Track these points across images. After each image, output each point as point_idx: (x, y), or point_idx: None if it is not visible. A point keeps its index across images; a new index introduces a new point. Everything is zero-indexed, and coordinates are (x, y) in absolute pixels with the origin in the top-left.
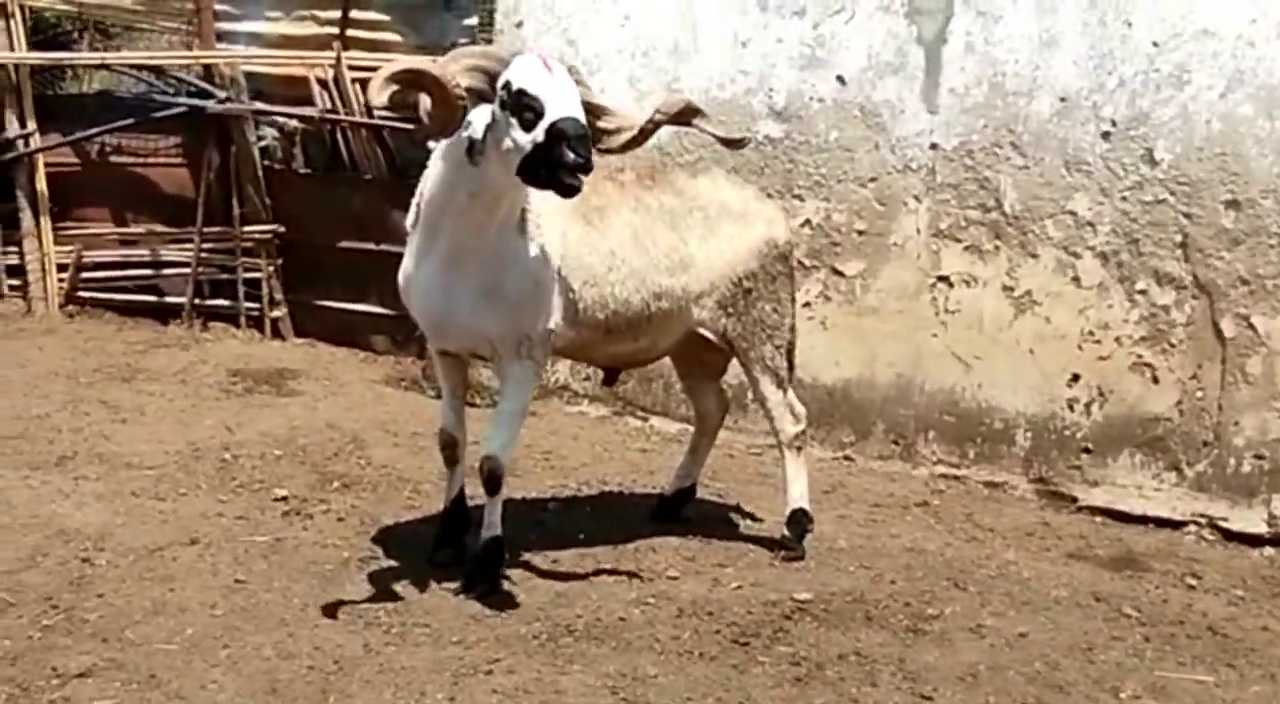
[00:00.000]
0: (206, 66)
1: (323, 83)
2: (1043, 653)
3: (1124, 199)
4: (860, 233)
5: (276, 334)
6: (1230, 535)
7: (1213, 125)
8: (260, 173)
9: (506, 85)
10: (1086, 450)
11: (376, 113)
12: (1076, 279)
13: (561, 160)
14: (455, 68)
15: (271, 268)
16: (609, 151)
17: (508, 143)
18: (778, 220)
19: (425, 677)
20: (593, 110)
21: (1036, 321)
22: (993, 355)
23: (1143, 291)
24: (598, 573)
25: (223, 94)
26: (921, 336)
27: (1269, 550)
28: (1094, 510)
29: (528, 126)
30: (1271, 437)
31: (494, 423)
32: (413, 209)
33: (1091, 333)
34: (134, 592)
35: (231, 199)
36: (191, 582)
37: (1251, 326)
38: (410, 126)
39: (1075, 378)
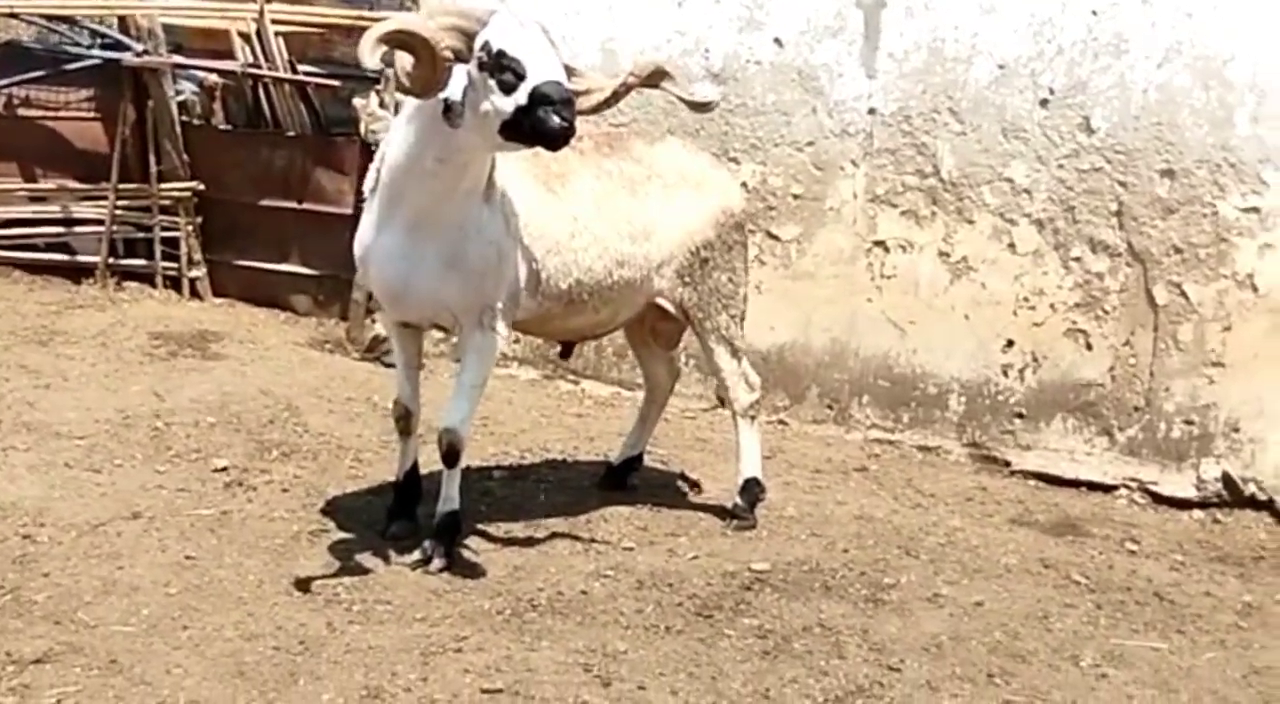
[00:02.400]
0: (122, 17)
1: (244, 36)
2: (1001, 622)
3: (1060, 167)
4: (796, 197)
5: (195, 294)
6: (1161, 499)
7: (1149, 94)
8: (178, 128)
9: (485, 46)
10: (1020, 415)
11: (300, 68)
12: (1012, 245)
13: (545, 124)
14: (432, 26)
15: (190, 226)
16: (579, 114)
17: (486, 106)
18: (733, 189)
19: (394, 656)
20: (565, 72)
21: (972, 287)
22: (928, 320)
23: (1077, 259)
24: (552, 543)
25: (139, 46)
26: (857, 301)
27: (1198, 513)
28: (1027, 474)
29: (508, 89)
30: (1201, 402)
31: (453, 394)
32: (371, 175)
33: (1026, 299)
34: (81, 570)
35: (148, 155)
36: (140, 559)
37: (1184, 294)
38: (335, 82)
39: (1010, 343)
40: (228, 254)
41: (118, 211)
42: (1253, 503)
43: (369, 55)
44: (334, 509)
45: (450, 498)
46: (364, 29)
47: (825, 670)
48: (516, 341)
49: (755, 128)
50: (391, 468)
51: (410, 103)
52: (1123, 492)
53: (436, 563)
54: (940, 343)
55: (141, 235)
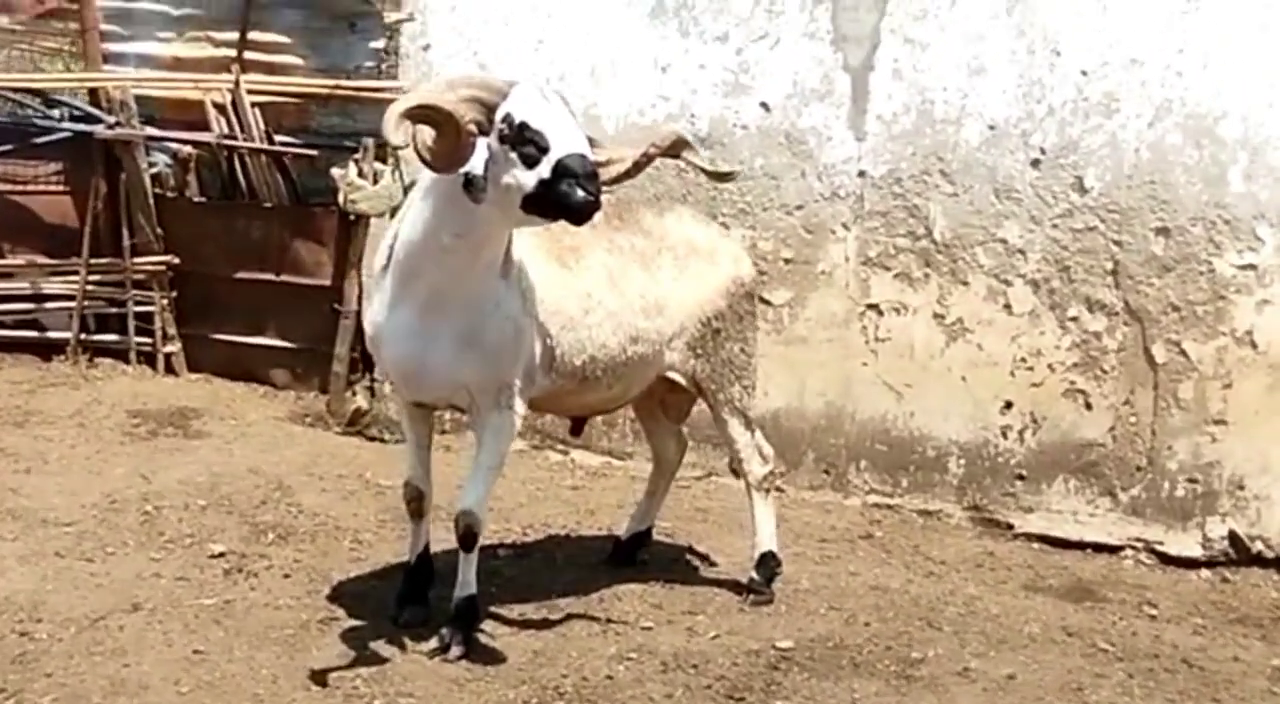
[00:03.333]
0: (93, 89)
1: (219, 107)
2: (1036, 696)
3: (1054, 226)
4: (787, 261)
5: (170, 370)
6: (1167, 559)
7: (1141, 153)
8: (151, 201)
9: (507, 118)
10: (1020, 477)
11: (276, 138)
12: (1008, 306)
13: (569, 199)
14: (452, 98)
15: (164, 300)
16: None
17: (508, 180)
18: (743, 258)
19: None
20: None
21: (968, 349)
22: (924, 383)
23: (1074, 318)
24: (569, 625)
25: (111, 118)
26: (851, 365)
27: (1206, 572)
28: (1031, 537)
29: (530, 162)
30: (1204, 460)
31: (471, 476)
32: (382, 252)
33: (1024, 360)
34: (85, 669)
35: (120, 228)
36: (146, 654)
37: (1183, 352)
38: (312, 152)
39: (1008, 405)
40: (203, 328)
41: (90, 287)
42: (1260, 561)
43: (394, 132)
44: (340, 595)
45: (467, 582)
46: (341, 97)
47: None
48: None
49: (744, 192)
50: (394, 548)
51: (426, 177)
52: (1129, 552)
53: (455, 651)
54: (937, 405)
55: (114, 310)
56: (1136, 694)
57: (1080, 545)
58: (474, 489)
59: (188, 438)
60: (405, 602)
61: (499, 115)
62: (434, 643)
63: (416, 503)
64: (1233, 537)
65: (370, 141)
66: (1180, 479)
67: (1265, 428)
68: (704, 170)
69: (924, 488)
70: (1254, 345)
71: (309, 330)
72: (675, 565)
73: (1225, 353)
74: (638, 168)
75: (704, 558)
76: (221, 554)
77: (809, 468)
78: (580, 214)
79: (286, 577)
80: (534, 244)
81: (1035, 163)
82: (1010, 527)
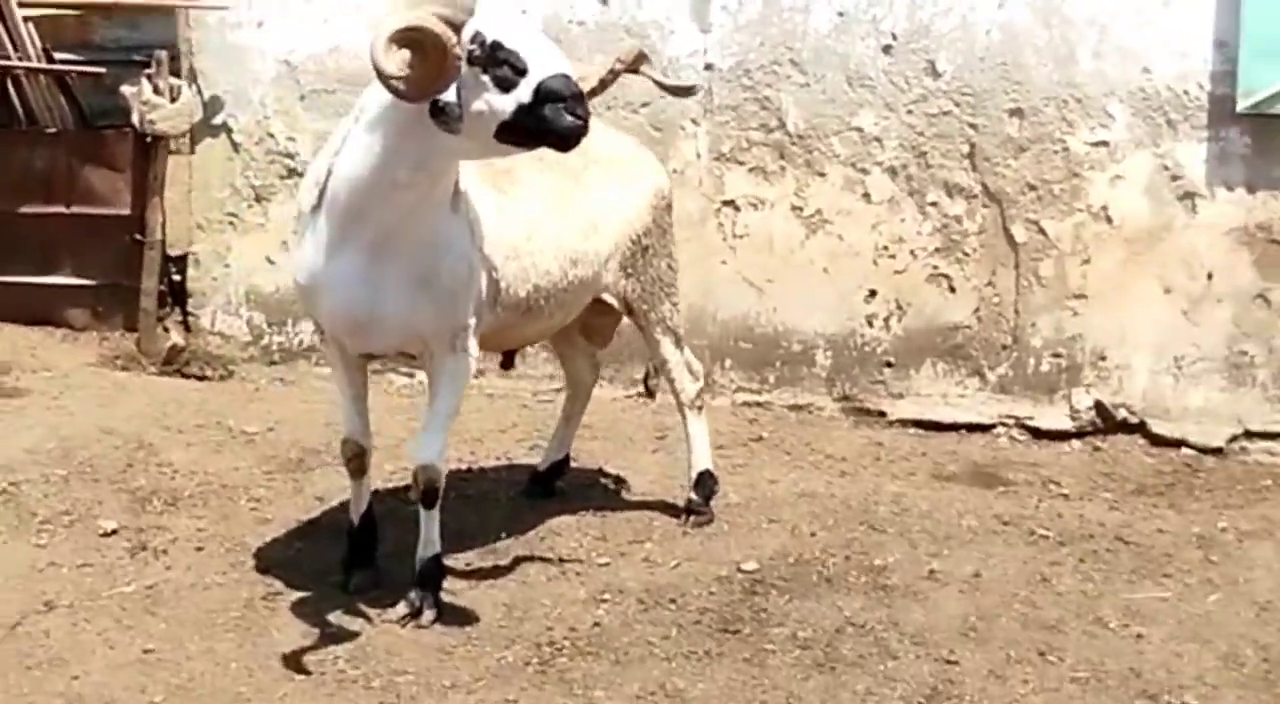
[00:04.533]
0: None
1: None
2: (1011, 592)
3: (909, 112)
4: None
5: None
6: (1039, 433)
7: (992, 35)
8: None
9: (477, 38)
10: (888, 365)
11: (56, 56)
12: (866, 195)
13: (555, 123)
14: (419, 16)
15: None
16: None
17: (479, 106)
18: (659, 168)
19: None
20: None
21: (829, 240)
22: (786, 278)
23: (934, 203)
24: (523, 570)
25: None
26: (710, 264)
27: (1076, 443)
28: (905, 423)
29: (506, 86)
30: (1066, 335)
31: (426, 427)
32: (309, 191)
33: (885, 248)
34: (28, 686)
35: None
36: (91, 661)
37: (1042, 231)
38: (98, 70)
39: (872, 293)
40: None
41: None
42: (1125, 426)
43: (388, 62)
44: (268, 565)
45: (431, 541)
46: (127, 7)
47: (889, 674)
48: None
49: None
50: (295, 504)
51: (374, 105)
52: (1000, 430)
53: (428, 615)
54: (801, 299)
55: None
56: (1096, 579)
57: (954, 427)
58: (432, 441)
59: (5, 396)
60: (352, 567)
61: (467, 34)
62: (403, 609)
63: (358, 460)
64: (1098, 406)
65: (163, 54)
66: (1045, 355)
67: (1123, 299)
68: (664, 85)
69: (792, 382)
70: (1109, 220)
71: (107, 265)
72: (594, 491)
73: (1082, 229)
74: (604, 85)
75: (618, 479)
76: (114, 531)
77: None
78: (568, 140)
79: (200, 550)
80: (471, 172)
81: (887, 49)
82: (883, 414)
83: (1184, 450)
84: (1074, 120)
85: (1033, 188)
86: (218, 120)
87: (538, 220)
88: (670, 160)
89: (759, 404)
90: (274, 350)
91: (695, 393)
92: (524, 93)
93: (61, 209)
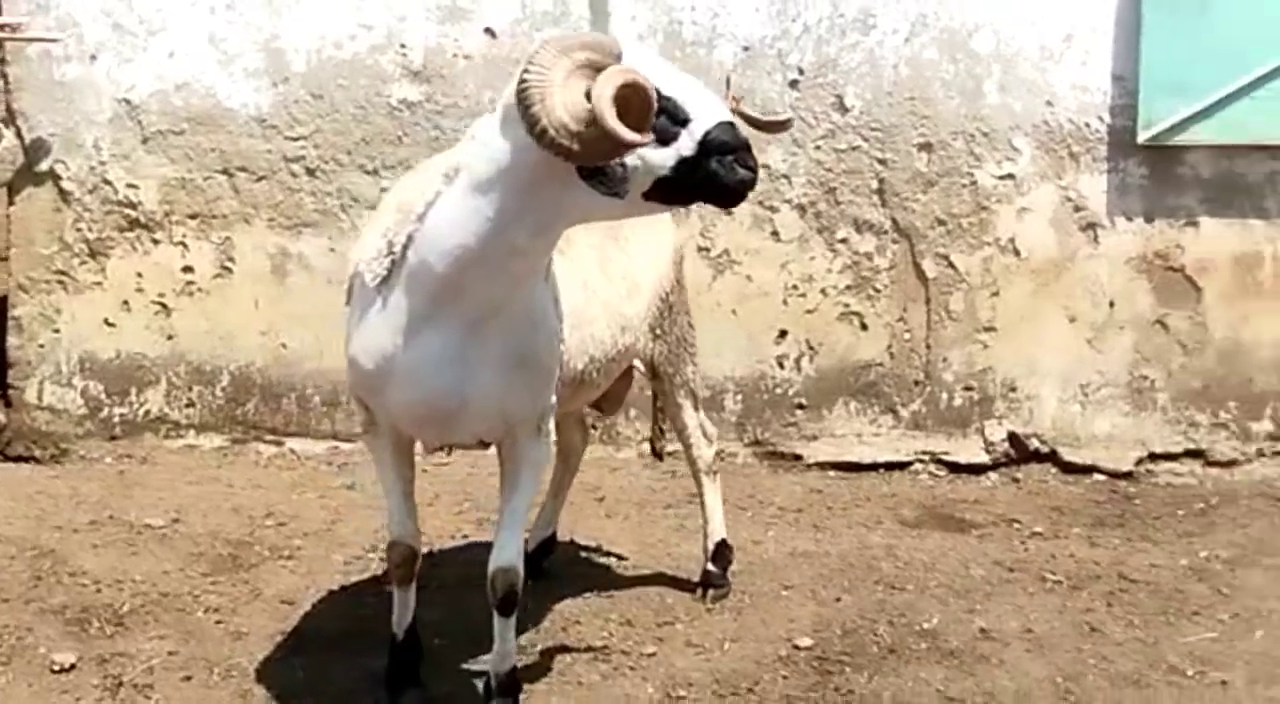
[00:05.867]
0: None
1: None
2: (1074, 646)
3: (818, 148)
4: None
5: None
6: (956, 468)
7: (900, 69)
8: None
9: None
10: (800, 406)
11: None
12: (775, 233)
13: (726, 178)
14: (569, 64)
15: None
16: None
17: (633, 161)
18: (670, 221)
19: None
20: None
21: (737, 280)
22: (694, 320)
23: (844, 240)
24: (569, 666)
25: None
26: None
27: (993, 476)
28: (823, 465)
29: (666, 138)
30: (977, 368)
31: (504, 525)
32: (377, 261)
33: (795, 287)
34: None
35: None
36: None
37: (951, 265)
38: None
39: (782, 334)
40: None
41: None
42: (1037, 456)
43: (620, 127)
44: (280, 690)
45: (507, 653)
46: None
47: None
48: (189, 405)
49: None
50: (258, 610)
51: (483, 164)
52: (918, 465)
53: None
54: (709, 342)
55: None
56: (1138, 625)
57: (873, 467)
58: (511, 539)
59: None
60: (397, 685)
61: None
62: None
63: (408, 567)
64: (1011, 437)
65: None
66: (957, 389)
67: (1031, 330)
68: (756, 121)
69: None
70: (1017, 253)
71: None
72: (594, 568)
73: (991, 262)
74: None
75: (598, 550)
76: (72, 666)
77: None
78: (737, 196)
79: (188, 679)
80: None
81: (794, 84)
82: (798, 457)
83: (1095, 476)
84: (981, 154)
85: (942, 222)
86: (43, 166)
87: (593, 284)
88: None
89: (671, 453)
90: (115, 423)
91: (711, 458)
92: (686, 145)
93: None
